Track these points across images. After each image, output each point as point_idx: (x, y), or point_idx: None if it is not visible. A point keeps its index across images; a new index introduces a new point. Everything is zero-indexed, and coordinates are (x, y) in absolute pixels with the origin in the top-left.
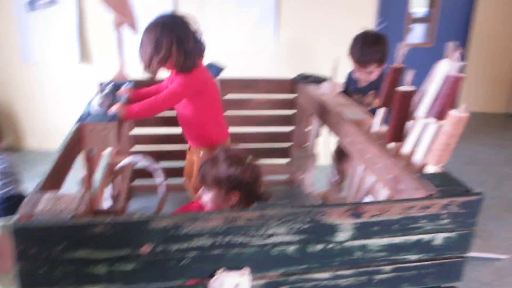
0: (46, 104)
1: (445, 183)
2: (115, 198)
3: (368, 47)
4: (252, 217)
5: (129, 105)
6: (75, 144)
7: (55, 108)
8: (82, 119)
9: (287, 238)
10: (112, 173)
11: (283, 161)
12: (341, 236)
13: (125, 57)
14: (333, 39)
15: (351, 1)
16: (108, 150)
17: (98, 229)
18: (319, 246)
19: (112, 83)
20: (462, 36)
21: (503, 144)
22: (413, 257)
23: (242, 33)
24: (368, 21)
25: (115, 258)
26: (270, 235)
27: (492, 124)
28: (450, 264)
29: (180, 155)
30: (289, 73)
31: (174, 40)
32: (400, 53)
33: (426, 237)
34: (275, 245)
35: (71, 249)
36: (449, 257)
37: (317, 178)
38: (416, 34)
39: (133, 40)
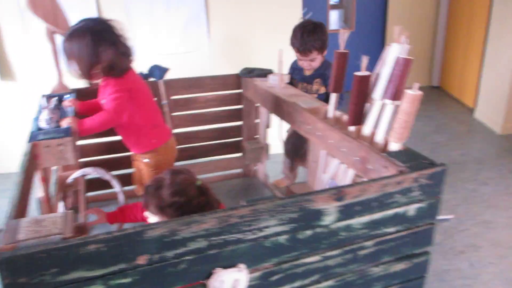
0: None
1: (410, 159)
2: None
3: (308, 35)
4: (244, 213)
5: (80, 120)
6: (31, 164)
7: None
8: (33, 137)
9: (278, 228)
10: (64, 188)
11: (236, 155)
12: (327, 220)
13: (63, 67)
14: (265, 32)
15: None
16: (53, 167)
17: (91, 247)
18: (308, 232)
19: (56, 96)
20: (380, 18)
21: (430, 115)
22: (391, 229)
23: (173, 34)
24: (295, 12)
25: (111, 273)
26: (262, 228)
27: None
28: (422, 231)
29: (127, 161)
30: (227, 70)
31: (106, 45)
32: (342, 39)
33: (401, 210)
34: (267, 237)
35: (65, 272)
36: (421, 225)
37: (271, 168)
38: (334, 20)
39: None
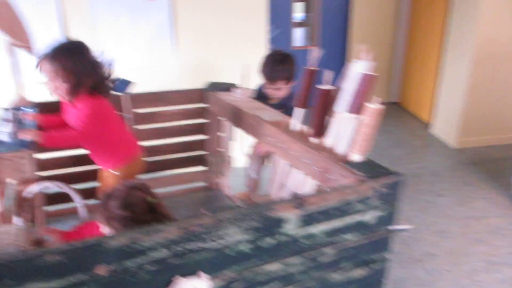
0: None
1: (369, 169)
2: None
3: (277, 65)
4: (205, 222)
5: (46, 133)
6: None
7: None
8: None
9: (240, 237)
10: (21, 202)
11: (200, 168)
12: (288, 228)
13: (22, 80)
14: (231, 47)
15: (244, 11)
16: (10, 180)
17: (49, 258)
18: (270, 240)
19: (16, 109)
20: (342, 36)
21: (389, 130)
22: (351, 237)
23: (138, 48)
24: (261, 28)
25: (70, 285)
26: (223, 236)
27: None
28: (381, 238)
29: (90, 175)
30: (192, 84)
31: (96, 65)
32: (313, 56)
33: (359, 217)
34: (229, 245)
35: (20, 284)
36: (380, 232)
37: (234, 181)
38: (298, 37)
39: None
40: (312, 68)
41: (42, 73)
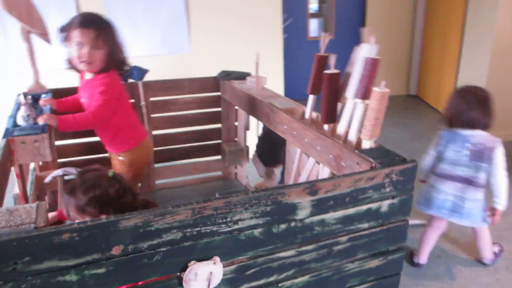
0: None
1: (382, 155)
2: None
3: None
4: (218, 205)
5: (61, 116)
6: (6, 159)
7: None
8: (9, 133)
9: (253, 222)
10: (41, 187)
11: (215, 157)
12: (301, 214)
13: (38, 66)
14: (244, 36)
15: (258, 1)
16: (32, 164)
17: (65, 236)
18: (282, 226)
19: (32, 95)
20: (358, 27)
21: (407, 123)
22: (364, 225)
23: (153, 36)
24: (275, 17)
25: (85, 263)
26: (237, 221)
27: (396, 106)
28: (395, 228)
29: (108, 162)
30: (206, 73)
31: (119, 39)
32: (323, 43)
33: (373, 205)
34: (241, 230)
35: (37, 261)
36: (394, 221)
37: (251, 171)
38: (313, 28)
39: (46, 49)
40: (322, 54)
41: (75, 40)
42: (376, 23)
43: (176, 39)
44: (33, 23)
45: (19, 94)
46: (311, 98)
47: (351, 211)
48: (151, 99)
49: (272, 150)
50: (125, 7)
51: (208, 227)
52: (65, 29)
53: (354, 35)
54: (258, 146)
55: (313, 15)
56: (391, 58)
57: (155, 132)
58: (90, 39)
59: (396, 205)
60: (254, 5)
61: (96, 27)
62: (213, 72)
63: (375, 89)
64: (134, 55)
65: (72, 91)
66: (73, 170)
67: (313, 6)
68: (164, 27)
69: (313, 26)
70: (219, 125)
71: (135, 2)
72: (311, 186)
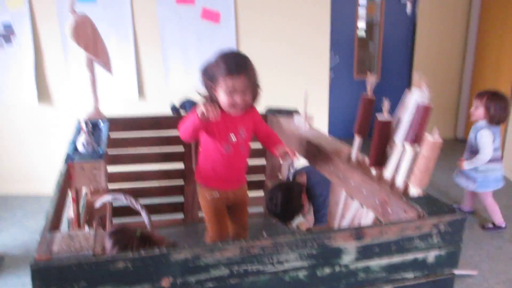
0: (6, 148)
1: (430, 204)
2: None
3: None
4: (265, 245)
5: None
6: (66, 183)
7: (15, 151)
8: (70, 158)
9: (298, 264)
10: (91, 211)
11: (258, 193)
12: (346, 259)
13: (99, 95)
14: (292, 73)
15: (307, 39)
16: (84, 189)
17: (120, 265)
18: (327, 270)
19: (91, 121)
20: (405, 69)
21: (454, 168)
22: (410, 275)
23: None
24: (323, 55)
25: None
26: (282, 262)
27: (442, 149)
28: (442, 280)
29: (155, 191)
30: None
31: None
32: (369, 85)
33: (419, 255)
34: (287, 271)
35: (93, 286)
36: (440, 273)
37: None
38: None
39: (105, 78)
40: (369, 96)
41: (231, 87)
42: (423, 65)
43: None
44: (97, 54)
45: (79, 120)
46: (357, 139)
47: (396, 259)
48: None
49: (287, 204)
50: (179, 40)
51: (254, 266)
52: (215, 72)
53: (400, 77)
54: (268, 204)
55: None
56: (438, 101)
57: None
58: (246, 85)
59: (443, 257)
60: (304, 41)
61: (250, 71)
62: (260, 107)
63: (428, 138)
64: (186, 87)
65: (127, 120)
66: (122, 196)
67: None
68: None
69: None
70: (263, 161)
71: (188, 35)
72: (358, 232)
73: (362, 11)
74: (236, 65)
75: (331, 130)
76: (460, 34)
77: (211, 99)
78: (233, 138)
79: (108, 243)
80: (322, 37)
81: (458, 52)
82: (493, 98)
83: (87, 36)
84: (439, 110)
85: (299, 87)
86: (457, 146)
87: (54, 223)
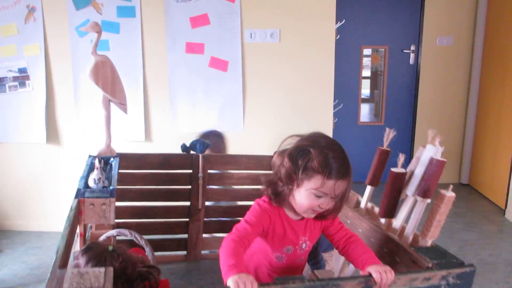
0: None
1: (439, 256)
2: None
3: None
4: None
5: None
6: (76, 220)
7: (23, 189)
8: (81, 194)
9: None
10: None
11: None
12: None
13: (112, 132)
14: (297, 117)
15: (311, 85)
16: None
17: None
18: None
19: (103, 158)
20: (409, 114)
21: (459, 212)
22: None
23: (211, 114)
24: (327, 101)
25: None
26: None
27: None
28: None
29: (160, 227)
30: (260, 150)
31: None
32: (386, 138)
33: None
34: None
35: None
36: None
37: None
38: (364, 113)
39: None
40: (384, 148)
41: (325, 192)
42: (427, 111)
43: (231, 119)
44: (115, 94)
45: (90, 156)
46: (368, 188)
47: None
48: (209, 171)
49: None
50: (187, 86)
51: None
52: (313, 167)
53: (403, 121)
54: None
55: (364, 100)
56: (442, 146)
57: (207, 203)
58: (343, 193)
59: None
60: (306, 88)
61: (351, 177)
62: (265, 150)
63: (443, 193)
64: (192, 131)
65: (137, 156)
66: (126, 232)
67: (365, 91)
68: (221, 106)
69: (364, 111)
70: None
71: (197, 84)
72: (366, 281)
73: (366, 61)
74: (346, 167)
75: None
76: (463, 81)
77: (273, 188)
78: (289, 250)
79: (82, 260)
80: (326, 84)
81: (461, 98)
82: None
83: (106, 76)
84: (444, 156)
85: (303, 131)
86: (461, 191)
87: (64, 259)
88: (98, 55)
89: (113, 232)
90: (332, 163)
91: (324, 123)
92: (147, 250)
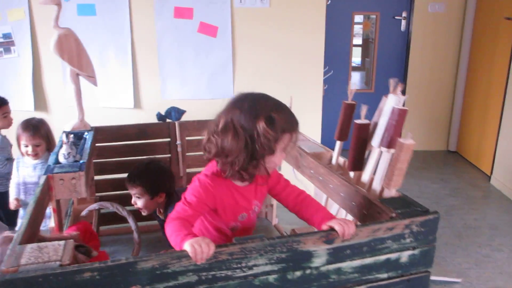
0: None
1: (404, 206)
2: None
3: None
4: (233, 251)
5: None
6: (45, 195)
7: None
8: (49, 170)
9: (267, 268)
10: (77, 220)
11: None
12: (317, 262)
13: (84, 106)
14: (285, 85)
15: (302, 51)
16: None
17: (87, 275)
18: (298, 273)
19: (75, 133)
20: (399, 81)
21: (445, 179)
22: (383, 275)
23: (200, 81)
24: (316, 68)
25: None
26: (251, 267)
27: (434, 161)
28: (416, 279)
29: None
30: None
31: None
32: (350, 92)
33: (393, 256)
34: (256, 275)
35: None
36: (415, 272)
37: (281, 210)
38: (355, 81)
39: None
40: (349, 102)
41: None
42: (417, 78)
43: (221, 85)
44: (82, 67)
45: (63, 132)
46: (338, 144)
47: (368, 260)
48: (186, 138)
49: None
50: (176, 53)
51: (223, 272)
52: (283, 126)
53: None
54: None
55: (355, 69)
56: (431, 114)
57: (189, 170)
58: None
59: (417, 256)
60: (296, 56)
61: None
62: None
63: (400, 140)
64: (181, 98)
65: (112, 129)
66: (108, 204)
67: (356, 59)
68: (211, 73)
69: (355, 79)
70: None
71: (186, 50)
72: (327, 235)
73: (358, 28)
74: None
75: (324, 139)
76: (453, 49)
77: (252, 156)
78: (244, 217)
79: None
80: (316, 50)
81: (451, 66)
82: None
83: (71, 50)
84: (432, 123)
85: (293, 97)
86: (449, 158)
87: (28, 236)
88: (60, 28)
89: (94, 205)
90: (293, 117)
91: (314, 90)
92: (130, 220)
